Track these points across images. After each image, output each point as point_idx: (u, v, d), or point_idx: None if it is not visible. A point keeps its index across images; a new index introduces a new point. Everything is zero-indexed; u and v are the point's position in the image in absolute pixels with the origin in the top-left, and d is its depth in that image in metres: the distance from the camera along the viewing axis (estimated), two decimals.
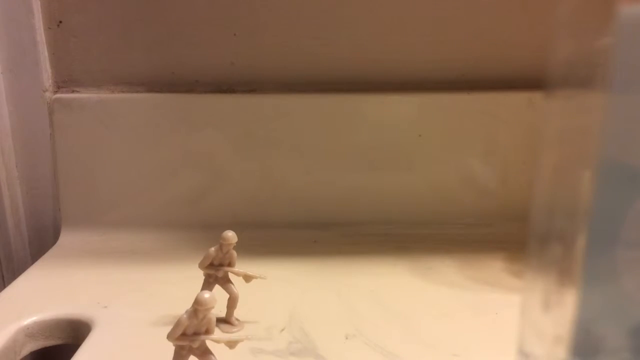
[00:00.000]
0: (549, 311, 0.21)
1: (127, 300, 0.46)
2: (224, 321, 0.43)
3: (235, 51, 0.58)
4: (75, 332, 0.44)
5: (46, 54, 0.57)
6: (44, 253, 0.55)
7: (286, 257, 0.54)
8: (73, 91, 0.58)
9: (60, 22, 0.57)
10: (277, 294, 0.47)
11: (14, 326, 0.42)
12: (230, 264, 0.41)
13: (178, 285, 0.49)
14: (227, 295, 0.42)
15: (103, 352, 0.39)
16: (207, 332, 0.33)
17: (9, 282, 0.50)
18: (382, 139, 0.59)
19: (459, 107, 0.59)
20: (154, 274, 0.51)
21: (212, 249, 0.40)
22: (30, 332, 0.43)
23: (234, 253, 0.41)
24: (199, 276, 0.50)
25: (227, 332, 0.41)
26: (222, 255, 0.40)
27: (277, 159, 0.59)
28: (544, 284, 0.21)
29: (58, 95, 0.58)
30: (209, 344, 0.34)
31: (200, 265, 0.41)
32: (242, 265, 0.44)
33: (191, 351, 0.34)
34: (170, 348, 0.40)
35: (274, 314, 0.44)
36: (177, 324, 0.33)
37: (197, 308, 0.32)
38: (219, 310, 0.40)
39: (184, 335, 0.33)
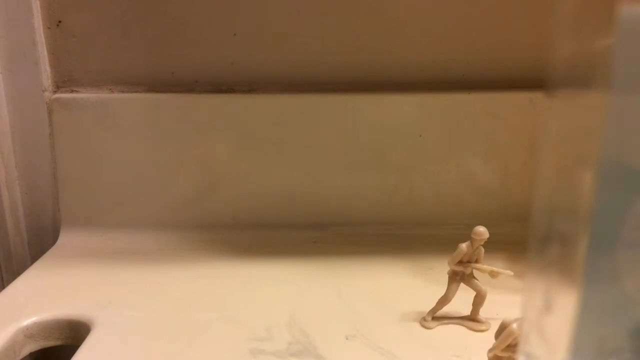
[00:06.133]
0: (550, 312, 0.21)
1: (127, 301, 0.46)
2: (470, 319, 0.42)
3: (235, 51, 0.58)
4: (75, 332, 0.44)
5: (45, 53, 0.57)
6: (43, 253, 0.55)
7: (286, 257, 0.54)
8: (72, 91, 0.58)
9: (60, 21, 0.57)
10: (277, 294, 0.47)
11: (13, 327, 0.42)
12: (477, 261, 0.40)
13: (178, 285, 0.49)
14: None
15: (102, 353, 0.39)
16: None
17: (9, 283, 0.50)
18: (382, 139, 0.59)
19: (459, 107, 0.59)
20: (154, 274, 0.51)
21: (464, 245, 0.39)
22: (30, 333, 0.43)
23: (482, 249, 0.40)
24: (198, 276, 0.50)
25: (474, 330, 0.42)
26: (471, 252, 0.40)
27: (277, 159, 0.59)
28: (544, 284, 0.21)
29: (57, 95, 0.57)
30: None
31: (450, 262, 0.40)
32: (239, 264, 0.43)
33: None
34: (169, 349, 0.40)
35: (274, 314, 0.44)
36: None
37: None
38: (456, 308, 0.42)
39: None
